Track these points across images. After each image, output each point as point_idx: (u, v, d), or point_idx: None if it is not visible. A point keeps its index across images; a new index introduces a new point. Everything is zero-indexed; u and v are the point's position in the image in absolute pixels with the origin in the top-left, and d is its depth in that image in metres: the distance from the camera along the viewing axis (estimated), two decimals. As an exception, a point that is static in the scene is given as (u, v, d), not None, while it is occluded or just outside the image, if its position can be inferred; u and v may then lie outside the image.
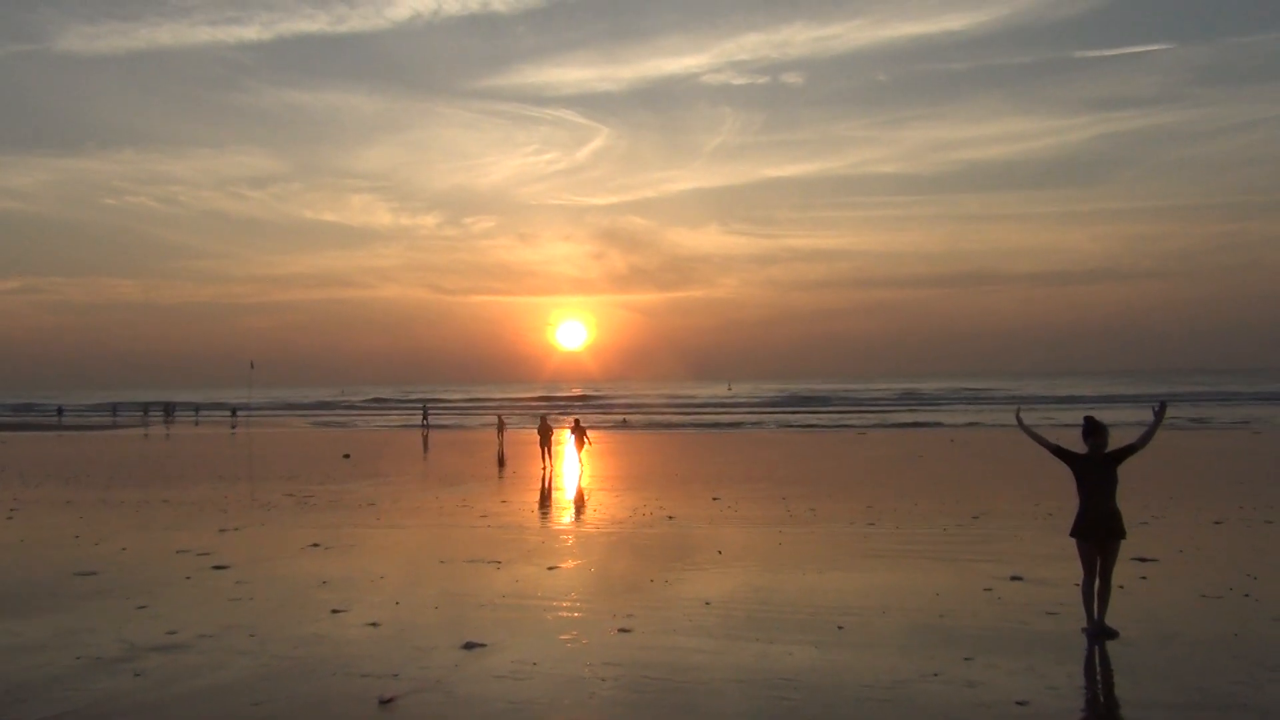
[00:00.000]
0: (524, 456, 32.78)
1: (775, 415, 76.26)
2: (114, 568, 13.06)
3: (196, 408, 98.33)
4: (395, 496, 21.65)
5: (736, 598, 10.65)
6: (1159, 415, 8.82)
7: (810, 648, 8.52)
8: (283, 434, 58.26)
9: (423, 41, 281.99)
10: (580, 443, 28.64)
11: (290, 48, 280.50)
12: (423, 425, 61.76)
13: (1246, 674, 7.54)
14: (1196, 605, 9.93)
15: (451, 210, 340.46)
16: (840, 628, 9.21)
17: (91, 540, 15.60)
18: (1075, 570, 9.01)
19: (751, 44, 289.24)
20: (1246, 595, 10.29)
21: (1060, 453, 8.87)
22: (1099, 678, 7.69)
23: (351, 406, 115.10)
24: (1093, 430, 8.69)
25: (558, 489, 23.28)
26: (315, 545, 14.79)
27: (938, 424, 58.29)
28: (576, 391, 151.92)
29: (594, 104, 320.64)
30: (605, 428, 59.77)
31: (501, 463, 31.55)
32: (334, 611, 10.22)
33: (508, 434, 41.26)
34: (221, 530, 16.53)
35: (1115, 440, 8.79)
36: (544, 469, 27.49)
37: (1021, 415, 9.83)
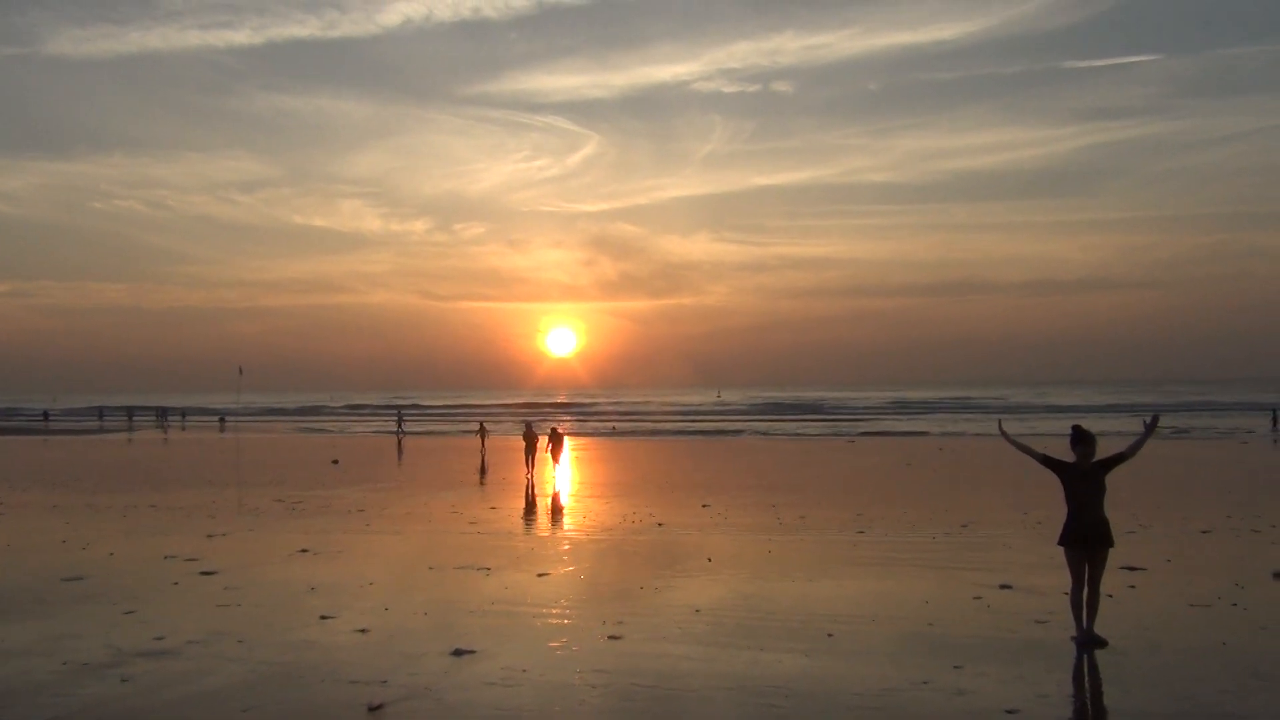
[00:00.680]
0: (507, 463, 32.64)
1: (765, 423, 76.28)
2: (101, 573, 13.00)
3: (183, 413, 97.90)
4: (384, 503, 21.59)
5: (726, 605, 10.64)
6: (1150, 427, 8.84)
7: (800, 655, 8.52)
8: (271, 439, 58.08)
9: (414, 47, 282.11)
10: (557, 451, 28.38)
11: (281, 52, 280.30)
12: (397, 432, 61.60)
13: (1235, 683, 7.56)
14: (1185, 614, 9.96)
15: (442, 216, 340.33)
16: (830, 635, 9.21)
17: (78, 545, 15.52)
18: (1064, 579, 9.03)
19: (742, 52, 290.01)
20: (1234, 604, 10.32)
21: (1048, 462, 8.89)
22: (1088, 686, 7.70)
23: (331, 412, 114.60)
24: (1080, 439, 8.71)
25: (542, 496, 23.22)
26: (304, 551, 14.74)
27: (926, 432, 58.37)
28: (562, 399, 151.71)
29: (585, 111, 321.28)
30: (595, 435, 59.78)
31: (484, 470, 31.47)
32: (323, 618, 10.18)
33: (490, 441, 40.90)
34: (209, 536, 16.46)
35: (1104, 449, 8.82)
36: (528, 476, 27.36)
37: (1004, 426, 9.85)
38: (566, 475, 28.88)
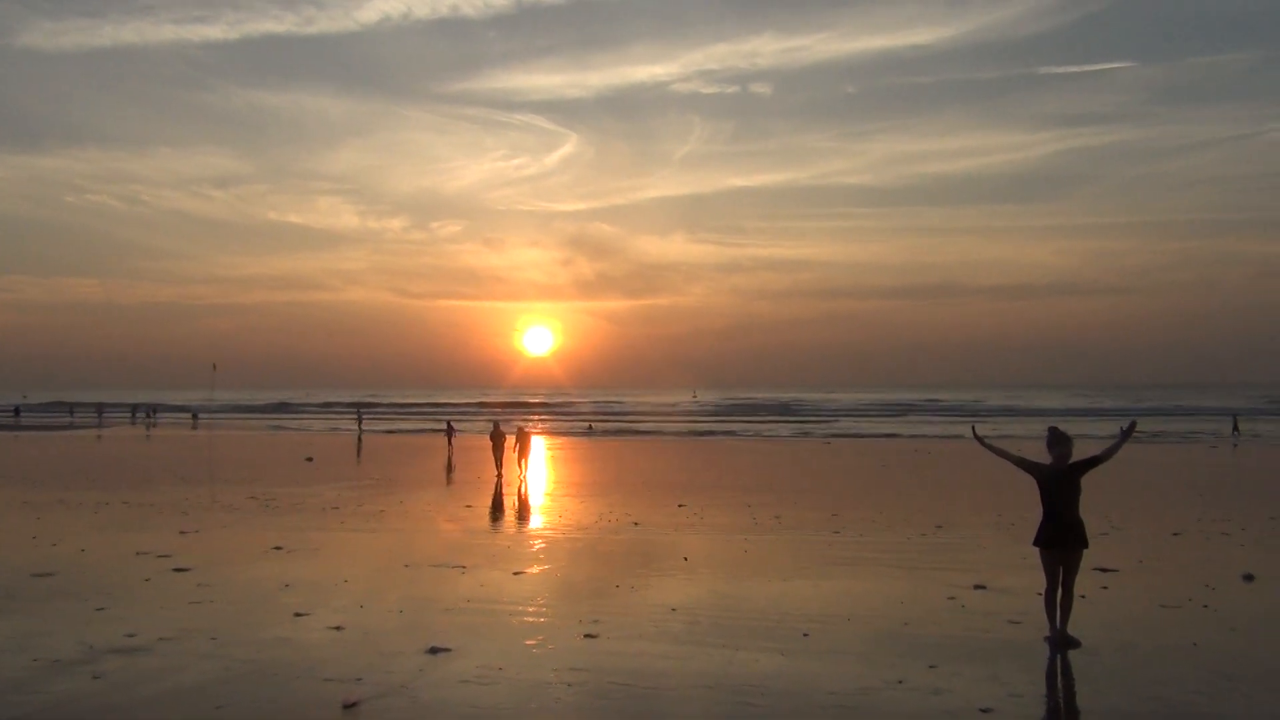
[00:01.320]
0: (475, 463, 32.44)
1: (740, 423, 76.44)
2: (72, 569, 12.87)
3: (149, 409, 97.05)
4: (358, 500, 21.49)
5: (702, 604, 10.66)
6: (1127, 432, 8.91)
7: (776, 655, 8.54)
8: (244, 436, 57.69)
9: (391, 44, 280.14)
10: (524, 451, 27.71)
11: (257, 48, 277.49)
12: (356, 430, 61.33)
13: (1205, 683, 7.64)
14: (1156, 615, 10.05)
15: (418, 214, 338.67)
16: (806, 635, 9.24)
17: (49, 541, 15.36)
18: (1037, 579, 9.09)
19: (721, 54, 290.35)
20: (1205, 605, 10.43)
21: (1024, 464, 8.95)
22: (1061, 686, 7.76)
23: (300, 410, 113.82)
24: (1057, 440, 8.77)
25: (509, 494, 23.11)
26: (278, 548, 14.65)
27: (901, 434, 58.66)
28: (539, 398, 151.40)
29: (563, 110, 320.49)
30: (572, 435, 59.75)
31: (450, 469, 31.29)
32: (297, 615, 10.12)
33: (459, 440, 40.47)
34: (182, 532, 16.33)
35: (1078, 452, 8.89)
36: (496, 476, 27.15)
37: (978, 430, 9.91)
38: (536, 475, 28.82)
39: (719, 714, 6.97)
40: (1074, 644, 8.57)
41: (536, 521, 18.41)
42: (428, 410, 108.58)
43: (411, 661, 8.32)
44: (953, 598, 10.90)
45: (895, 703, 7.18)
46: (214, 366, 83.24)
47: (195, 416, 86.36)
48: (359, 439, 52.49)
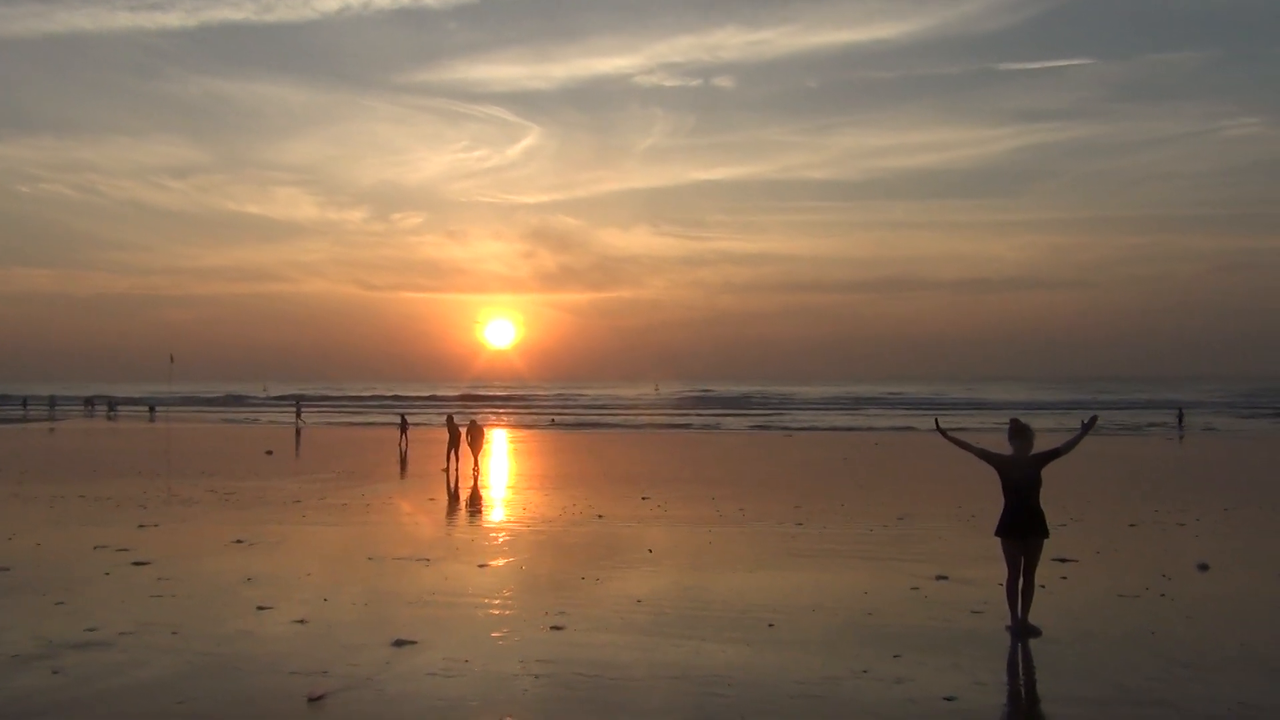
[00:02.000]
0: (429, 457, 31.83)
1: (703, 416, 76.61)
2: (29, 563, 12.67)
3: (110, 402, 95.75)
4: (320, 494, 21.32)
5: (667, 596, 10.69)
6: (1087, 426, 9.03)
7: (741, 645, 8.58)
8: (202, 429, 57.05)
9: (351, 34, 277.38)
10: (477, 444, 27.26)
11: (214, 36, 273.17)
12: (296, 422, 60.95)
13: (1163, 670, 7.78)
14: (1114, 604, 10.21)
15: (379, 205, 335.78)
16: (771, 625, 9.30)
17: (4, 535, 15.11)
18: (999, 570, 9.21)
19: (684, 46, 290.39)
20: (1162, 595, 10.61)
21: (986, 455, 9.05)
22: (1022, 674, 7.87)
23: (257, 402, 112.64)
24: (1018, 432, 8.88)
25: (464, 488, 22.96)
26: (239, 541, 14.51)
27: (864, 427, 59.07)
28: (500, 391, 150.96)
29: (525, 102, 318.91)
30: (534, 427, 59.64)
31: (404, 462, 31.00)
32: (260, 608, 10.03)
33: (412, 433, 39.54)
34: (141, 526, 16.13)
35: (1041, 443, 9.00)
36: (451, 469, 26.87)
37: (941, 423, 9.98)
38: (494, 468, 28.72)
39: (685, 705, 7.00)
40: (1035, 632, 8.68)
41: (500, 514, 18.37)
42: (384, 403, 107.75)
43: (377, 654, 8.28)
44: (915, 588, 11.01)
45: (860, 692, 7.24)
46: (171, 359, 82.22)
47: (152, 409, 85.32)
48: (298, 432, 51.97)
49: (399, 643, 8.63)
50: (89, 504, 19.37)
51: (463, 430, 27.82)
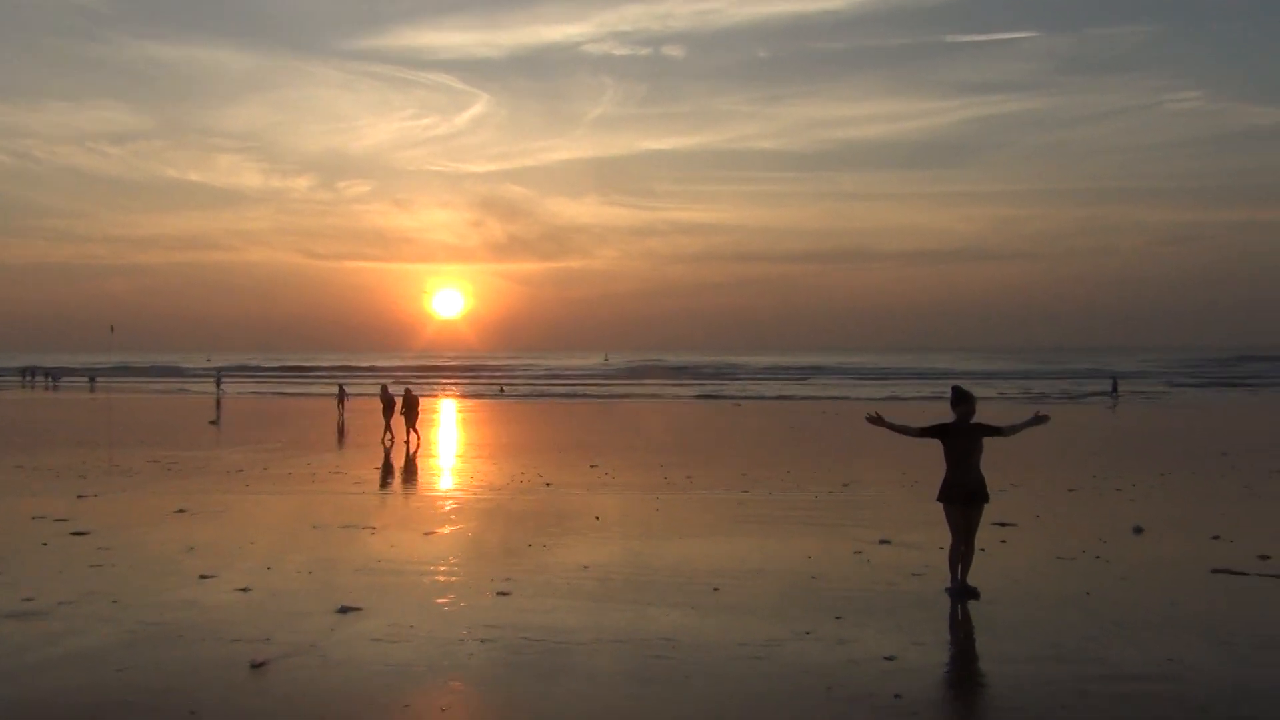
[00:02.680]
0: (369, 426, 31.05)
1: (652, 386, 76.75)
2: (-37, 534, 12.42)
3: (53, 373, 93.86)
4: (265, 463, 21.10)
5: (614, 562, 10.74)
6: (1035, 421, 9.10)
7: (687, 609, 8.65)
8: (143, 400, 56.15)
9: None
10: (412, 414, 26.61)
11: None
12: (217, 393, 60.49)
13: (1097, 629, 7.97)
14: (1052, 566, 10.43)
15: (324, 173, 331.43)
16: (716, 590, 9.38)
17: (-63, 506, 14.80)
18: (940, 534, 9.35)
19: (633, 15, 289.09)
20: (1097, 557, 10.85)
21: (926, 432, 9.01)
22: (961, 634, 8.02)
23: (198, 373, 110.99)
24: (961, 399, 8.98)
25: (398, 457, 22.78)
26: (181, 511, 14.33)
27: (811, 396, 59.57)
28: (450, 361, 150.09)
29: (473, 69, 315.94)
30: (483, 397, 59.45)
31: (342, 432, 30.71)
32: (202, 577, 9.93)
33: (350, 403, 38.87)
34: (80, 496, 15.87)
35: (987, 415, 9.10)
36: (386, 439, 26.62)
37: (874, 414, 9.62)
38: (439, 438, 28.60)
39: (631, 667, 7.05)
40: (974, 594, 8.83)
41: (448, 483, 18.32)
42: (331, 375, 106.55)
43: (321, 621, 8.23)
44: (859, 552, 11.15)
45: (802, 653, 7.33)
46: (111, 329, 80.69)
47: (92, 379, 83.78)
48: (218, 402, 51.37)
49: (344, 609, 8.58)
50: (27, 474, 19.02)
51: (398, 400, 27.32)
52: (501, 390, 69.11)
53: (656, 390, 69.60)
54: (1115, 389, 59.09)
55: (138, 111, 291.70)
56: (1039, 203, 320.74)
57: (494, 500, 15.75)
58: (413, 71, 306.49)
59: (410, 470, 20.41)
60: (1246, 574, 9.96)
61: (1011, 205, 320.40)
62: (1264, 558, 10.71)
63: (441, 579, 10.03)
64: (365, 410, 37.46)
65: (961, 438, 8.89)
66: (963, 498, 8.85)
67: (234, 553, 11.23)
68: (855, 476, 18.32)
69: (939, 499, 9.01)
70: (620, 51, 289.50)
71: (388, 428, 27.23)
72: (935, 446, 9.12)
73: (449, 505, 15.33)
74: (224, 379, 70.47)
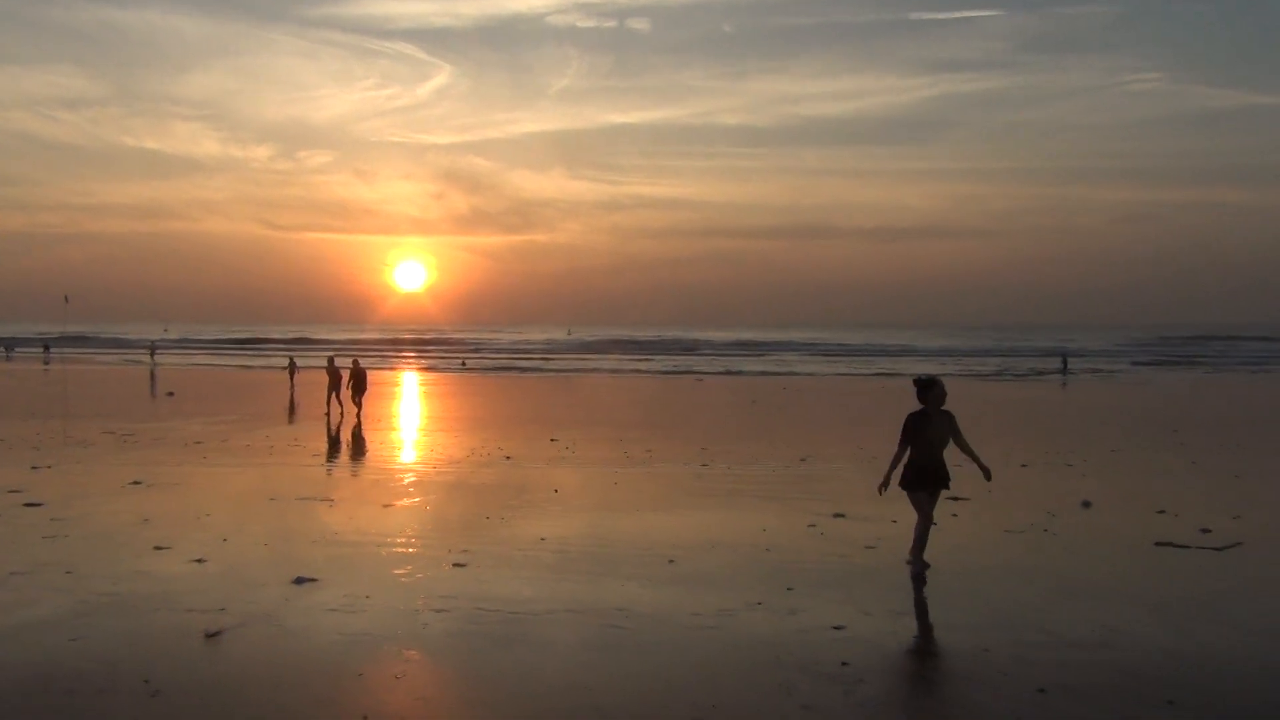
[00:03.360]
0: (320, 400, 30.57)
1: (615, 360, 76.80)
2: (-87, 505, 12.29)
3: (10, 343, 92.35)
4: (223, 435, 20.98)
5: (572, 534, 10.83)
6: (982, 469, 9.12)
7: (642, 581, 8.76)
8: (99, 371, 55.45)
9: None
10: (359, 387, 26.20)
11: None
12: (149, 363, 60.38)
13: (1042, 599, 8.18)
14: (1001, 539, 10.65)
15: (285, 143, 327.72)
16: (671, 561, 9.50)
17: (-114, 477, 14.61)
18: (894, 509, 9.57)
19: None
20: (1045, 530, 11.09)
21: (905, 442, 8.99)
22: (909, 604, 8.18)
23: (141, 344, 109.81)
24: (926, 386, 9.09)
25: (346, 430, 22.64)
26: (136, 483, 14.24)
27: (772, 372, 59.88)
28: (411, 334, 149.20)
29: (436, 40, 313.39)
30: (445, 371, 59.25)
31: (293, 405, 30.45)
32: (157, 548, 9.91)
33: (300, 376, 38.30)
34: (34, 468, 15.72)
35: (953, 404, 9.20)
36: (333, 412, 26.23)
37: (881, 487, 9.51)
38: (399, 411, 28.50)
39: (586, 637, 7.15)
40: (925, 565, 9.02)
41: (408, 456, 18.31)
42: (288, 346, 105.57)
43: (277, 592, 8.26)
44: (813, 525, 11.32)
45: (753, 624, 7.47)
46: (65, 299, 79.57)
47: (47, 349, 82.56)
48: (152, 373, 50.98)
49: (299, 580, 8.61)
50: (-22, 446, 18.78)
51: (344, 373, 26.84)
52: (463, 364, 68.89)
53: (618, 365, 69.65)
54: (1065, 367, 59.94)
55: (91, 77, 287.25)
56: (1000, 180, 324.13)
57: (453, 473, 15.78)
58: (375, 41, 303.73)
59: (367, 444, 20.36)
60: (1188, 547, 10.23)
61: (973, 182, 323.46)
62: (1205, 531, 10.99)
63: (399, 550, 10.08)
64: (317, 383, 37.01)
65: (931, 426, 8.98)
66: (925, 484, 8.99)
67: (189, 524, 11.21)
68: (813, 451, 18.51)
69: (902, 486, 9.08)
70: (585, 23, 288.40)
71: (331, 401, 26.75)
72: (895, 424, 9.20)
73: (408, 478, 15.35)
74: (158, 349, 70.99)
